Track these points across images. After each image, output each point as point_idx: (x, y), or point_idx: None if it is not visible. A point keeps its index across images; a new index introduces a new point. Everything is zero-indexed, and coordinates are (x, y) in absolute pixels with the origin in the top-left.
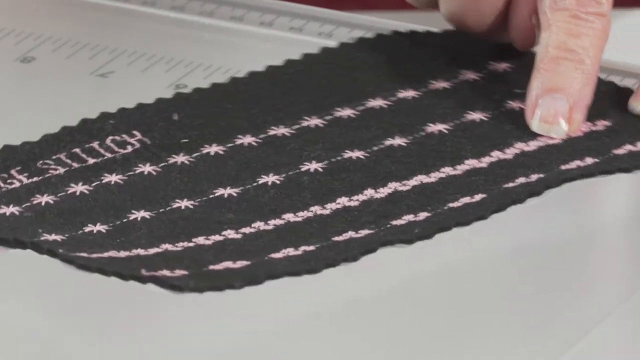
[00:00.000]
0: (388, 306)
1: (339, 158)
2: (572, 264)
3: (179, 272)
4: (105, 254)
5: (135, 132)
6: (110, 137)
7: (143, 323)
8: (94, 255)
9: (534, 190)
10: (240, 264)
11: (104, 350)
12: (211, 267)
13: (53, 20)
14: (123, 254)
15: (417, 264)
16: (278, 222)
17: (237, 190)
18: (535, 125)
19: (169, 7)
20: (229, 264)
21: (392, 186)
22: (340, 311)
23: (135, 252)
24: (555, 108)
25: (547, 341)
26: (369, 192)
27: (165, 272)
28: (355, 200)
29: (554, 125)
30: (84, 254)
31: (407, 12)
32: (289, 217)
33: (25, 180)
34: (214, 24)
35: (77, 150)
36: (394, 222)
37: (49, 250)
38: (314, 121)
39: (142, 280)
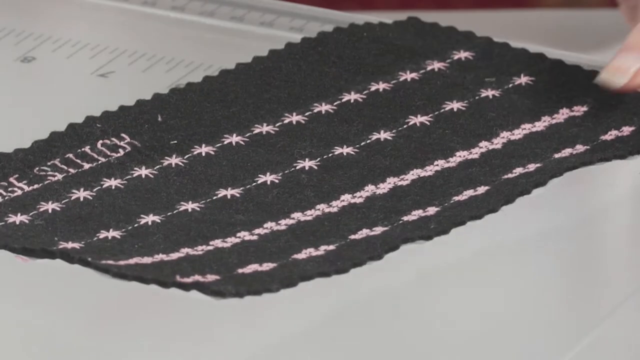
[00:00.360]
0: (385, 303)
1: (331, 155)
2: (573, 260)
3: (211, 277)
4: (131, 261)
5: (123, 135)
6: (101, 141)
7: (148, 324)
8: (122, 263)
9: (539, 181)
10: (267, 266)
11: (108, 350)
12: (240, 270)
13: (53, 20)
14: (147, 259)
15: (413, 261)
16: (289, 221)
17: (238, 190)
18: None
19: (169, 7)
20: (256, 267)
21: (391, 181)
22: (342, 312)
23: (158, 257)
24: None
25: (548, 340)
26: (370, 188)
27: (198, 278)
28: (358, 197)
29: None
30: (111, 262)
31: (407, 12)
32: (298, 216)
33: (26, 188)
34: (214, 24)
35: (71, 155)
36: (405, 218)
37: (81, 259)
38: (295, 117)
39: (185, 287)
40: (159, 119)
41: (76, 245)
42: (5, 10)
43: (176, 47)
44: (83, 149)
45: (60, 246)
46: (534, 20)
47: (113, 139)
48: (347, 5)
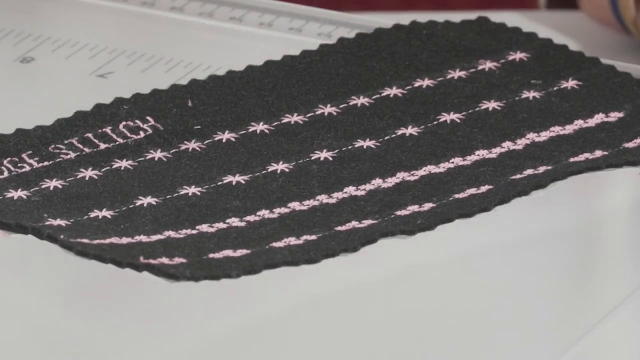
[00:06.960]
0: (384, 300)
1: (350, 147)
2: (574, 259)
3: (177, 260)
4: (107, 241)
5: (148, 118)
6: (124, 123)
7: (139, 307)
8: (95, 242)
9: (539, 183)
10: (240, 252)
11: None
12: (211, 255)
13: (53, 20)
14: (125, 240)
15: (413, 256)
16: (283, 210)
17: (245, 177)
18: None
19: (168, 8)
20: (229, 253)
21: (401, 176)
22: (336, 301)
23: (137, 238)
24: None
25: (547, 340)
26: (377, 182)
27: (164, 260)
28: (362, 190)
29: None
30: (85, 240)
31: (408, 12)
32: (295, 205)
33: (35, 165)
34: (213, 24)
35: (90, 135)
36: (398, 213)
37: (49, 235)
38: (328, 109)
39: (138, 268)
40: (189, 104)
41: (63, 222)
42: (5, 10)
43: (175, 48)
44: (104, 129)
45: (47, 223)
46: (534, 20)
47: (137, 121)
48: (347, 6)
